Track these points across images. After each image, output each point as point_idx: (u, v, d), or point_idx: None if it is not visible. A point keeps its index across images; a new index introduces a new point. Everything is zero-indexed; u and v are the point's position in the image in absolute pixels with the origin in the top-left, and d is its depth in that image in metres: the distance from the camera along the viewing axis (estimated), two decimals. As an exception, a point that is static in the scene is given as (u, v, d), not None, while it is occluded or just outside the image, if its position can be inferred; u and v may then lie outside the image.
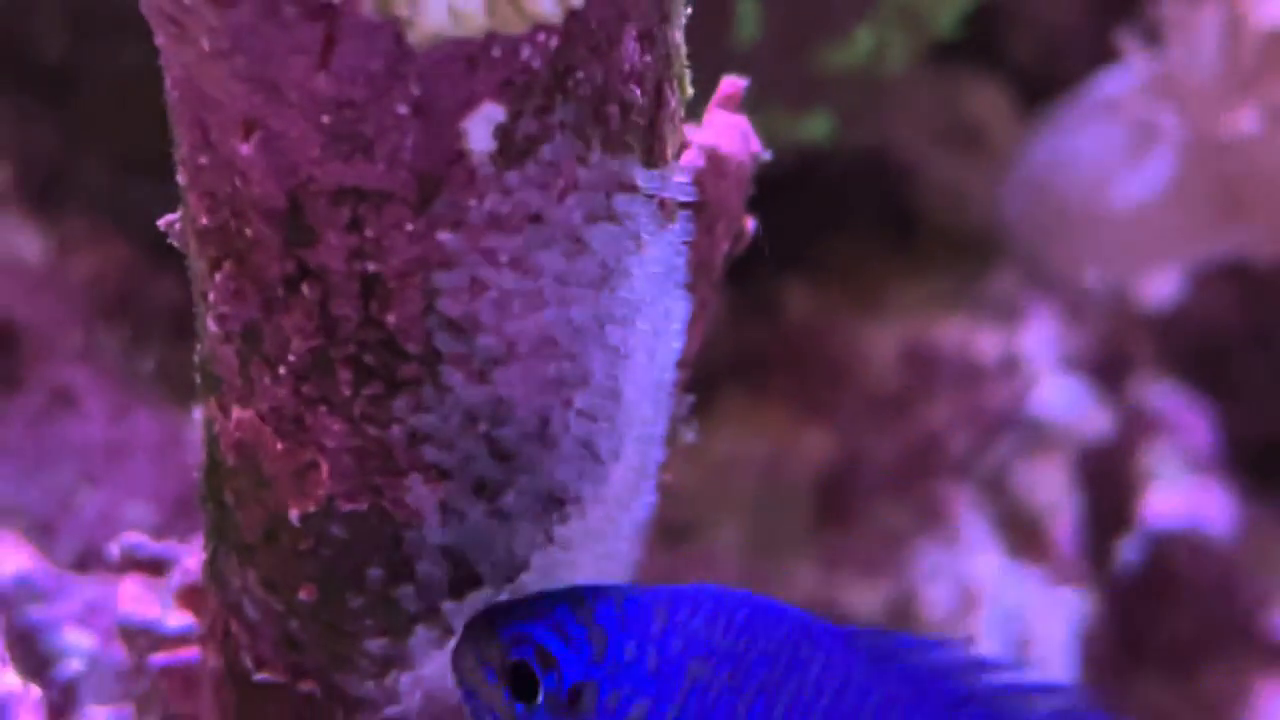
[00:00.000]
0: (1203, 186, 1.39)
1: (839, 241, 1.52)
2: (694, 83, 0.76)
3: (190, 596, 0.89)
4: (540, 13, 0.63)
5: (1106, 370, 1.53)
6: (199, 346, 0.76)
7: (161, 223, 0.76)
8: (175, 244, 0.76)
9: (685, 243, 0.74)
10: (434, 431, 0.72)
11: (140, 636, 0.90)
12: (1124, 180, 1.43)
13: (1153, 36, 1.38)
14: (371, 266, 0.68)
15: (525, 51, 0.65)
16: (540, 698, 0.71)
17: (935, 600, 1.38)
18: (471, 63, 0.64)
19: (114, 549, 0.94)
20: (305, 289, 0.69)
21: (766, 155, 0.85)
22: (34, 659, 0.95)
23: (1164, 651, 1.49)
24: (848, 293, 1.48)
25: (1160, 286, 1.59)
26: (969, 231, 1.53)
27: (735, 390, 1.44)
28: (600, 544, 0.78)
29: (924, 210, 1.54)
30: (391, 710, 0.79)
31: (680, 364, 0.78)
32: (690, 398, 0.85)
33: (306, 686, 0.79)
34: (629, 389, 0.75)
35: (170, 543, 0.93)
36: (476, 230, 0.68)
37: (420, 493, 0.73)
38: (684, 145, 0.78)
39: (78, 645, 0.96)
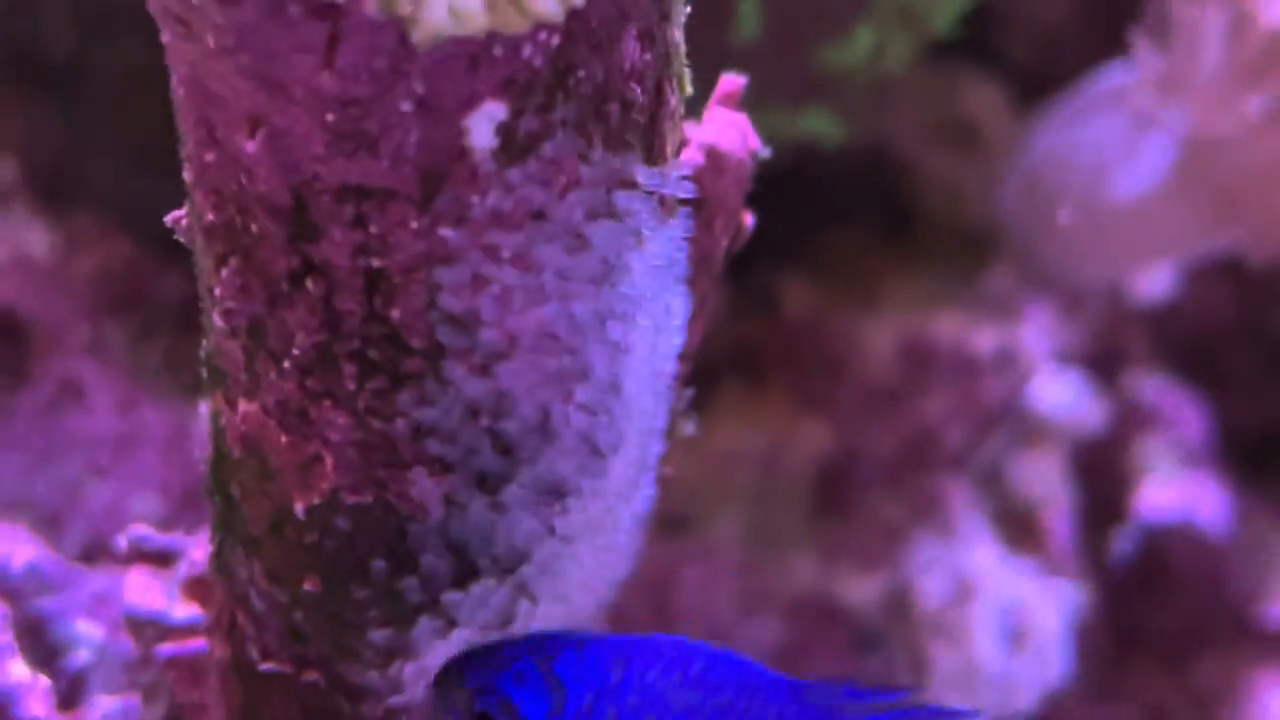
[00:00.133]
0: (1200, 184, 1.39)
1: (837, 237, 1.52)
2: (693, 81, 0.76)
3: (197, 588, 0.89)
4: (542, 12, 0.63)
5: (1101, 364, 1.53)
6: (205, 341, 0.77)
7: (168, 219, 0.76)
8: (182, 240, 0.76)
9: (685, 238, 0.74)
10: (437, 425, 0.72)
11: (147, 627, 0.90)
12: (1120, 177, 1.43)
13: (1154, 34, 1.37)
14: (375, 262, 0.68)
15: (527, 50, 0.65)
16: None
17: (931, 591, 1.38)
18: (474, 61, 0.64)
19: (121, 541, 0.94)
20: (310, 284, 0.70)
21: (765, 152, 0.85)
22: (43, 649, 0.95)
23: (1158, 642, 1.49)
24: (846, 288, 1.48)
25: (1154, 282, 1.59)
26: (965, 227, 1.52)
27: (734, 384, 1.44)
28: (600, 536, 0.78)
29: (921, 206, 1.54)
30: (395, 700, 0.79)
31: (680, 358, 0.79)
32: (690, 391, 0.85)
33: (311, 676, 0.80)
34: (629, 383, 0.75)
35: (177, 535, 0.94)
36: (479, 226, 0.68)
37: (424, 485, 0.73)
38: (684, 142, 0.78)
39: (86, 636, 0.96)
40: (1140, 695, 1.48)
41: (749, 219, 0.87)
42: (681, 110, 0.76)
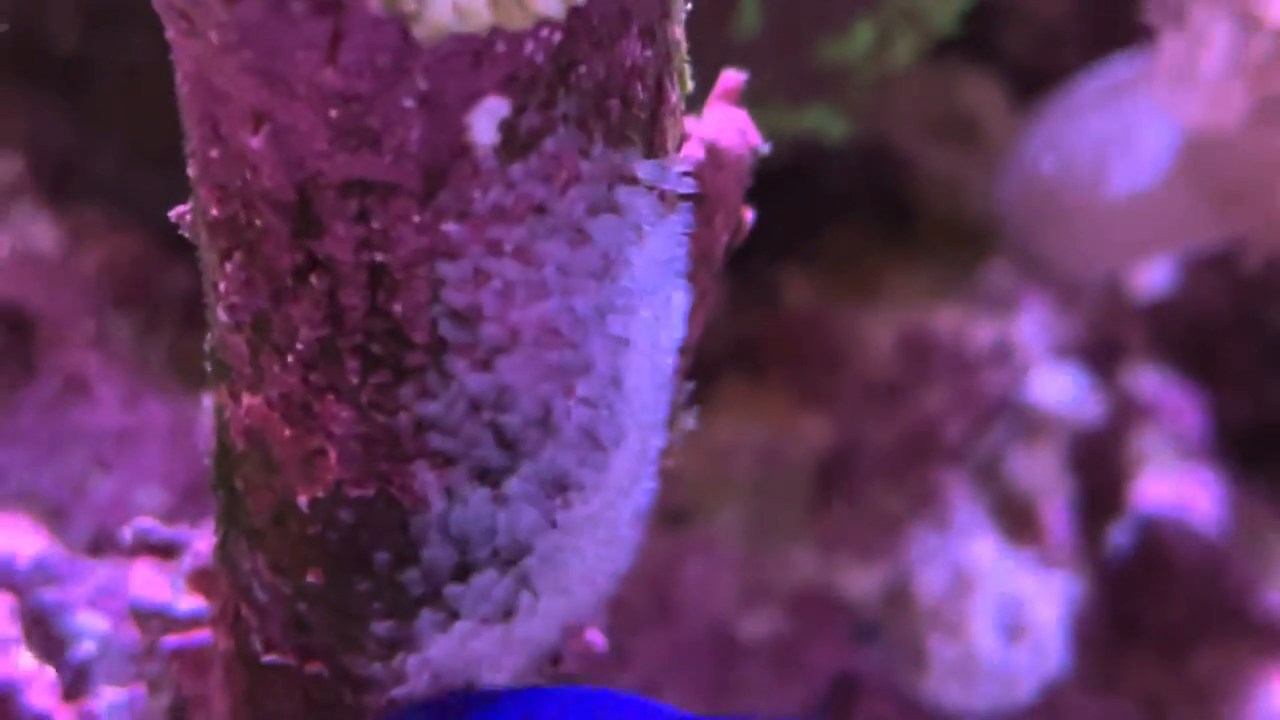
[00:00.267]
0: (1199, 179, 1.39)
1: (837, 232, 1.52)
2: (694, 77, 0.76)
3: (201, 580, 0.89)
4: (544, 9, 0.63)
5: (1098, 358, 1.53)
6: (209, 335, 0.77)
7: (173, 214, 0.76)
8: (186, 235, 0.76)
9: (685, 234, 0.74)
10: (439, 419, 0.72)
11: (152, 619, 0.90)
12: (1119, 171, 1.43)
13: (1159, 26, 1.37)
14: (378, 257, 0.68)
15: (529, 47, 0.65)
16: None
17: (930, 583, 1.39)
18: (476, 58, 0.64)
19: (126, 533, 0.94)
20: (314, 279, 0.70)
21: (765, 148, 0.84)
22: (48, 641, 0.95)
23: (1155, 634, 1.49)
24: (845, 282, 1.48)
25: (1152, 276, 1.59)
26: (964, 222, 1.53)
27: (735, 377, 1.44)
28: (602, 529, 0.78)
29: (920, 202, 1.54)
30: (398, 691, 0.79)
31: (680, 352, 0.79)
32: (690, 385, 0.85)
33: (315, 668, 0.80)
34: (630, 377, 0.75)
35: (181, 527, 0.94)
36: (481, 221, 0.68)
37: (426, 479, 0.73)
38: (684, 138, 0.78)
39: (91, 628, 0.96)
40: (1138, 686, 1.48)
41: (749, 214, 0.87)
42: (682, 106, 0.76)
